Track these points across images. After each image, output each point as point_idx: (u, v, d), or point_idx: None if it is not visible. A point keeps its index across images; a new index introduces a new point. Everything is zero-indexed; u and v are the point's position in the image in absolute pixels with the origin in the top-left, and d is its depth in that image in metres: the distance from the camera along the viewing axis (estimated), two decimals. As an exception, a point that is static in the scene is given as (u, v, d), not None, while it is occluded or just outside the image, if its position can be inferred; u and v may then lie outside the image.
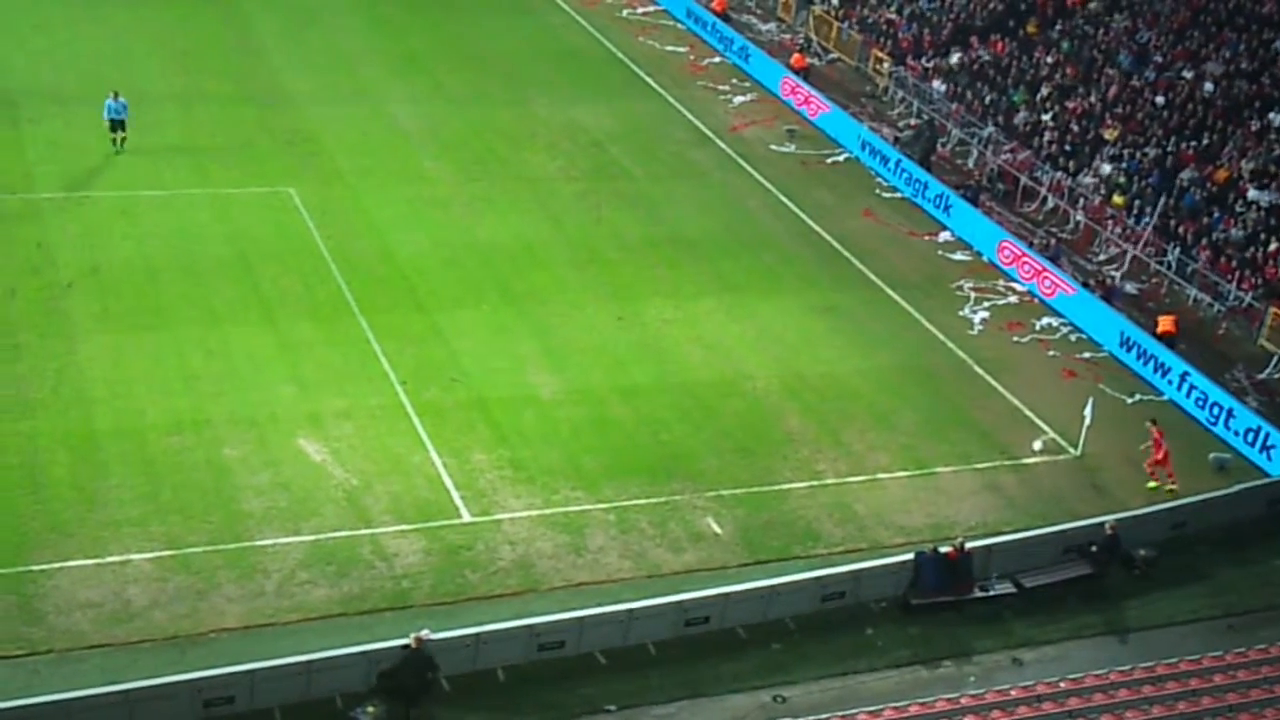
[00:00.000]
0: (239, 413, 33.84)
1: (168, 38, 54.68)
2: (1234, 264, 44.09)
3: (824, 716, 26.67)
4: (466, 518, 31.61)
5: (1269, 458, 36.47)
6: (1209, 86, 50.33)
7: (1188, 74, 51.25)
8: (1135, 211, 47.13)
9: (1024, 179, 50.16)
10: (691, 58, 60.17)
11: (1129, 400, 39.06)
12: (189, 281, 38.88)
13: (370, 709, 25.83)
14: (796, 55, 59.46)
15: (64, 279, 38.16)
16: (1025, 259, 44.64)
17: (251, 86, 51.67)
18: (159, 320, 37.04)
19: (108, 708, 25.09)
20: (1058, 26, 56.85)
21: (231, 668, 26.07)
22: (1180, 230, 45.83)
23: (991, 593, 30.96)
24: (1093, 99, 52.13)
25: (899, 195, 49.83)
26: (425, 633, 26.70)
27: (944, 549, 30.80)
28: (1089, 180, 49.12)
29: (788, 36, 63.01)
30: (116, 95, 44.86)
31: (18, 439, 31.98)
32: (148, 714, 25.39)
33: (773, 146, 52.67)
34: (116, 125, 44.90)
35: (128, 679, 25.72)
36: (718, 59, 60.30)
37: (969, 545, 31.05)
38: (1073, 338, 42.11)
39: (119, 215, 41.76)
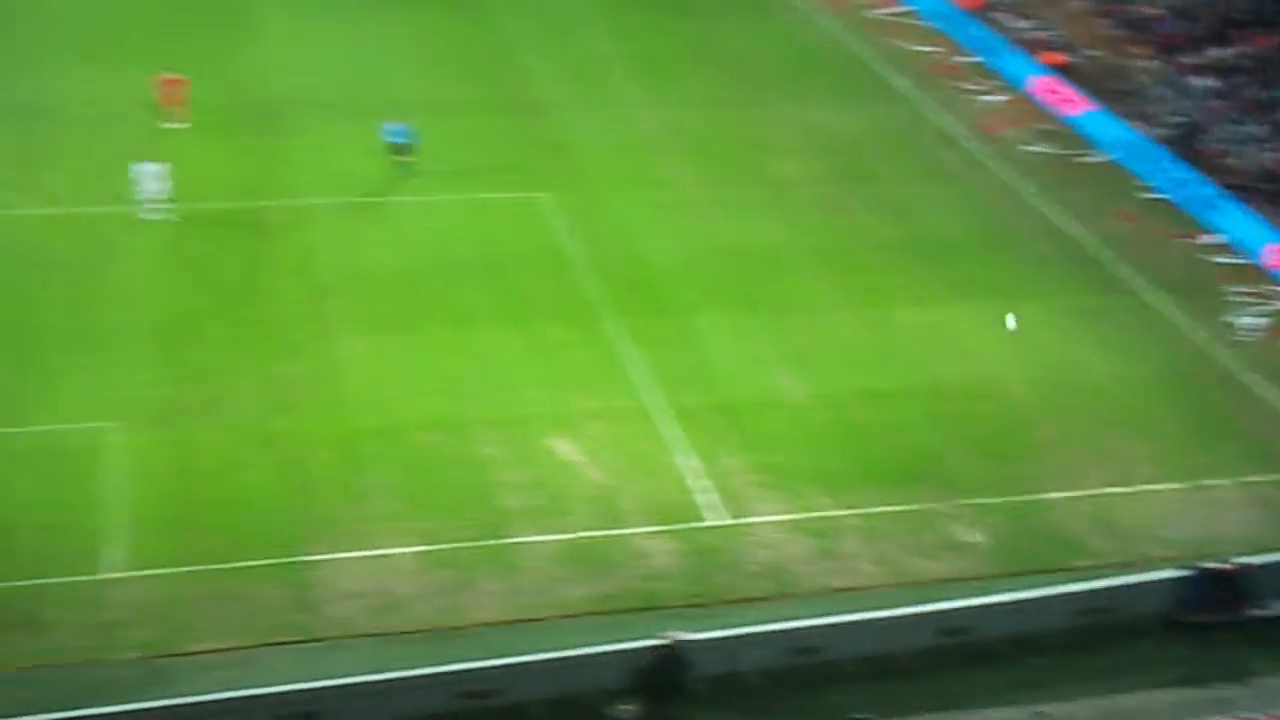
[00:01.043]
0: (493, 413, 34.57)
1: (422, 46, 56.19)
2: None
3: (1087, 734, 26.03)
4: (717, 520, 31.69)
5: None
6: None
7: None
8: None
9: (1293, 178, 48.06)
10: (940, 57, 59.23)
11: None
12: (444, 285, 39.88)
13: (625, 707, 26.09)
14: (1051, 52, 57.98)
15: (327, 282, 39.53)
16: (1295, 262, 42.82)
17: (503, 93, 52.73)
18: (416, 323, 38.08)
19: (371, 695, 25.93)
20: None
21: (491, 661, 26.68)
22: None
23: (1271, 612, 29.63)
24: (1367, 94, 49.72)
25: (1158, 196, 48.21)
26: (678, 633, 26.87)
27: (1219, 565, 29.62)
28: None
29: (1042, 33, 61.46)
30: (398, 120, 45.53)
31: (289, 436, 33.26)
32: (406, 703, 26.13)
33: (1025, 147, 51.52)
34: (399, 149, 45.31)
35: (393, 668, 26.54)
36: (968, 58, 59.23)
37: (1242, 562, 29.82)
38: (1347, 345, 40.22)
39: (378, 221, 43.10)
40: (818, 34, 61.18)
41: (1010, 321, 34.99)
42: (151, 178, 41.19)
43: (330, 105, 50.02)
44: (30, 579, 28.54)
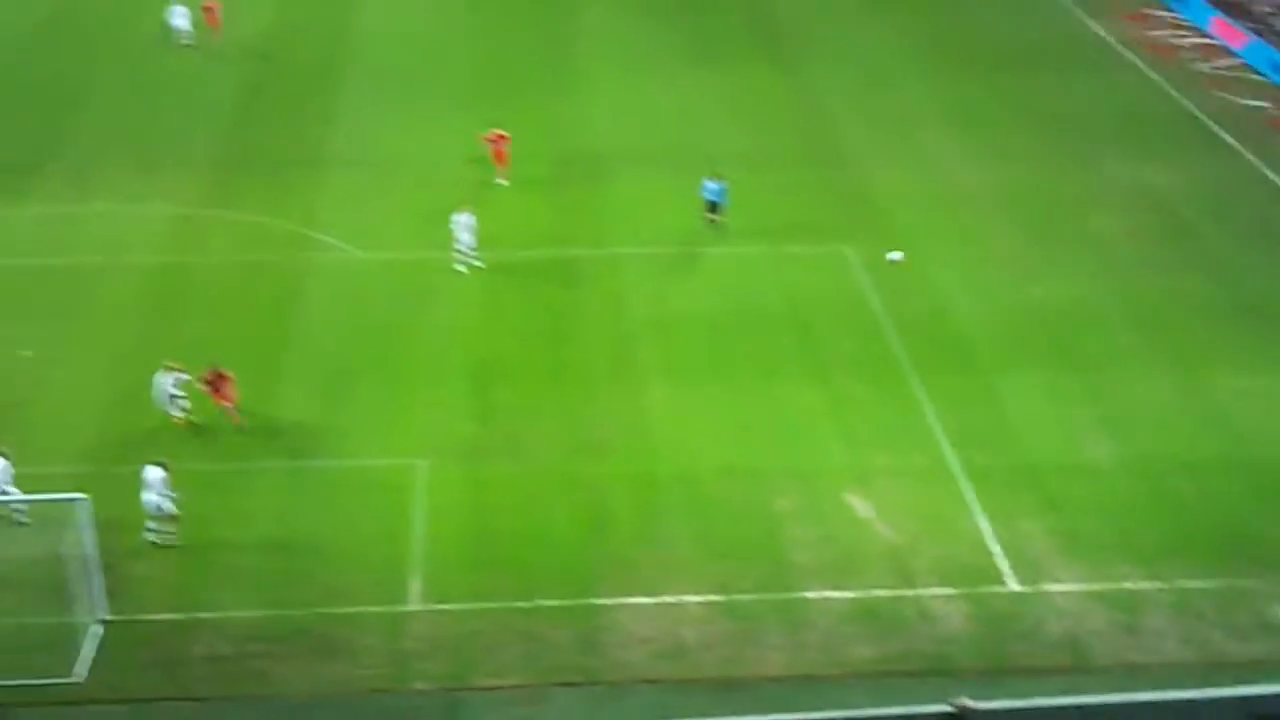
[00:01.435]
0: (790, 465, 34.52)
1: (737, 101, 56.87)
2: None
3: None
4: (1013, 586, 30.80)
5: None
6: None
7: None
8: None
9: None
10: (1275, 112, 56.50)
11: None
12: (748, 336, 40.11)
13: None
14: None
15: (636, 330, 40.28)
16: None
17: (815, 147, 52.88)
18: (719, 372, 38.39)
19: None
20: None
21: (774, 716, 26.48)
22: None
23: None
24: None
25: None
26: (966, 700, 26.12)
27: None
28: None
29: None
30: (717, 176, 45.72)
31: (588, 478, 33.96)
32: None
33: (1366, 208, 48.61)
34: (713, 206, 45.58)
35: (676, 715, 26.71)
36: (1305, 113, 56.43)
37: None
38: None
39: (686, 270, 43.74)
40: (1144, 89, 59.22)
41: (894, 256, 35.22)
42: (463, 228, 42.85)
43: (647, 158, 51.12)
44: (341, 607, 29.89)
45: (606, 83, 58.43)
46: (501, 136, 48.41)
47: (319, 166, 50.13)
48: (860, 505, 33.16)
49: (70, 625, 28.41)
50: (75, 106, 54.97)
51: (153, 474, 31.00)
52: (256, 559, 31.06)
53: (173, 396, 34.64)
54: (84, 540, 28.56)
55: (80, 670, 27.90)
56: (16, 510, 31.59)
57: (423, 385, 37.42)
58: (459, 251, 42.82)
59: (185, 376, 34.77)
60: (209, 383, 34.92)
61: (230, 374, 34.96)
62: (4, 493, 31.24)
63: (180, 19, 60.98)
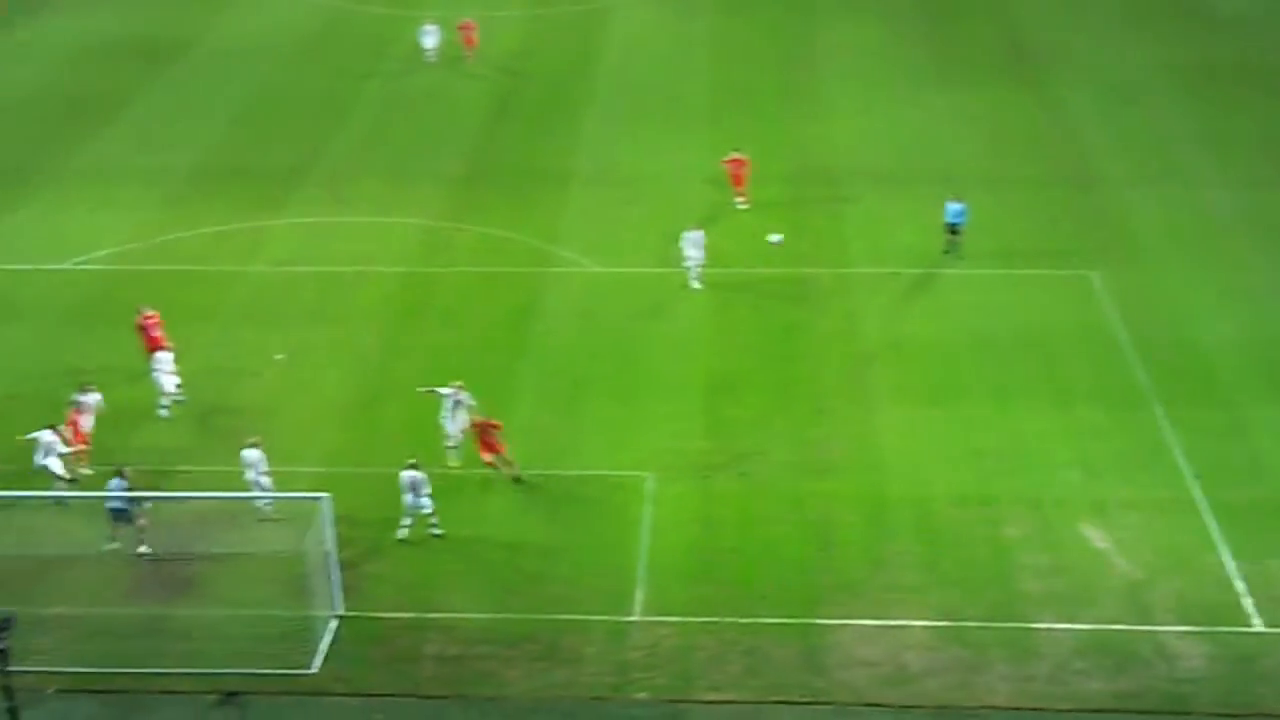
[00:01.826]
0: (1023, 492, 33.74)
1: (981, 121, 55.98)
2: None
3: None
4: (1259, 626, 29.49)
5: None
6: None
7: None
8: None
9: None
10: None
11: None
12: (983, 360, 39.39)
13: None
14: None
15: (868, 350, 39.92)
16: None
17: (1060, 168, 51.68)
18: (952, 395, 37.79)
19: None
20: None
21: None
22: None
23: None
24: None
25: None
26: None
27: None
28: None
29: None
30: (958, 198, 45.00)
31: (816, 498, 33.78)
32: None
33: None
34: (953, 228, 44.78)
35: (896, 742, 26.45)
36: None
37: None
38: None
39: (922, 292, 43.16)
40: None
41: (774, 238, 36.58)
42: (692, 244, 43.15)
43: (887, 177, 50.81)
44: (567, 613, 30.31)
45: (848, 101, 58.16)
46: (740, 160, 48.52)
47: (562, 182, 51.08)
48: (1096, 536, 32.21)
49: (308, 619, 29.46)
50: (334, 121, 57.16)
51: (411, 476, 32.11)
52: (487, 563, 31.73)
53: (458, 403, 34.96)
54: (325, 537, 29.61)
55: (316, 663, 28.89)
56: (265, 505, 32.98)
57: (654, 399, 37.76)
58: (688, 268, 43.12)
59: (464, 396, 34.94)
60: (477, 429, 34.27)
61: (498, 424, 34.35)
62: (258, 484, 32.64)
63: (430, 38, 62.96)
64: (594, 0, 71.14)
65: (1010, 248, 45.60)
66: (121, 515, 31.96)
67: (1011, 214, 47.94)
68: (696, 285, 43.07)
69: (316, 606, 29.51)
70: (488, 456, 34.11)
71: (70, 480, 33.77)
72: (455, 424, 34.75)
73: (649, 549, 32.06)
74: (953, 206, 44.92)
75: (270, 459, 33.12)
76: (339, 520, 30.49)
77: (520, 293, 43.53)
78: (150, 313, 39.00)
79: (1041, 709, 27.65)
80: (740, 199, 48.23)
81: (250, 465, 32.76)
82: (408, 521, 32.37)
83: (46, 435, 33.66)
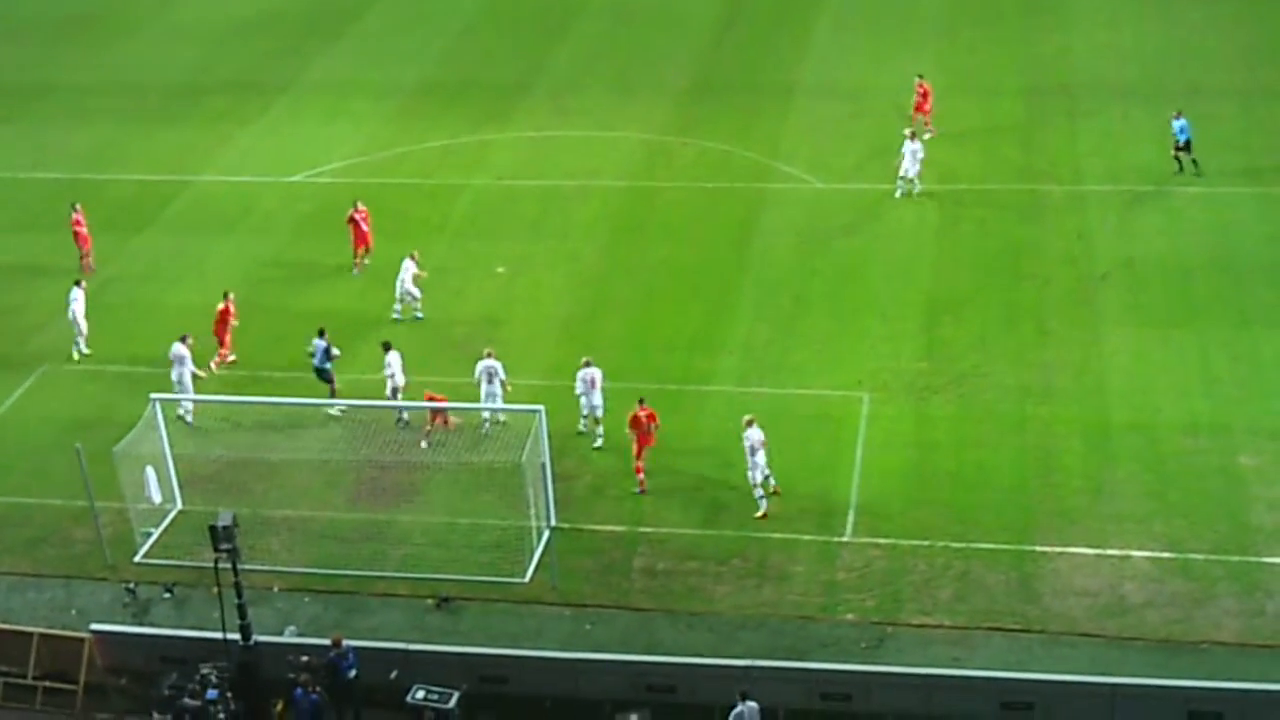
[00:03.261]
0: (1259, 421, 32.25)
1: (1236, 32, 53.04)
2: None
3: None
4: None
5: None
6: None
7: None
8: None
9: None
10: None
11: None
12: (1223, 281, 37.68)
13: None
14: None
15: (1099, 270, 38.49)
16: None
17: (1323, 80, 48.82)
18: (1186, 318, 36.28)
19: (1093, 698, 25.29)
20: None
21: (1222, 683, 25.03)
22: None
23: None
24: None
25: None
26: None
27: None
28: None
29: None
30: (1179, 115, 42.80)
31: (1037, 422, 32.86)
32: (1132, 712, 25.21)
33: None
34: (1183, 146, 42.59)
35: (1114, 674, 25.67)
36: None
37: None
38: None
39: (1159, 210, 41.38)
40: None
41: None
42: (910, 156, 42.18)
43: (1129, 91, 48.59)
44: (778, 532, 30.18)
45: (1093, 12, 55.61)
46: (924, 89, 46.66)
47: (788, 95, 50.33)
48: (1336, 469, 30.65)
49: (523, 529, 29.95)
50: (558, 33, 57.27)
51: (590, 373, 32.74)
52: (699, 479, 31.73)
53: None
54: (541, 449, 29.97)
55: (528, 573, 29.39)
56: (486, 421, 33.55)
57: (873, 318, 37.13)
58: (902, 179, 42.16)
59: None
60: (632, 421, 31.63)
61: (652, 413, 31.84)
62: (493, 396, 33.09)
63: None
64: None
65: (1257, 164, 43.34)
66: (323, 375, 34.20)
67: (1261, 130, 45.47)
68: (904, 194, 42.34)
69: (531, 517, 29.96)
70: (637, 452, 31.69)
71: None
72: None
73: (862, 470, 31.67)
74: (1178, 123, 42.71)
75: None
76: (555, 434, 30.87)
77: (741, 208, 43.18)
78: (363, 208, 40.32)
79: (1270, 646, 26.56)
80: (927, 129, 46.13)
81: (487, 376, 33.26)
82: (585, 423, 32.99)
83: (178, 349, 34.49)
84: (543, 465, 29.90)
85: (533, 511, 29.96)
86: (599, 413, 32.87)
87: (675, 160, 46.47)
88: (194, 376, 34.56)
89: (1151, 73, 50.04)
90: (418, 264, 38.14)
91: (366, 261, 40.54)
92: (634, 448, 31.59)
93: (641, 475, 31.47)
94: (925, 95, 46.41)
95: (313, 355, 34.38)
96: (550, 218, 43.34)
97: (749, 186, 44.37)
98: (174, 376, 34.43)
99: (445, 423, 33.45)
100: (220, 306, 36.44)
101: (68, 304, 37.33)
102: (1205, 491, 30.42)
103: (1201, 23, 53.97)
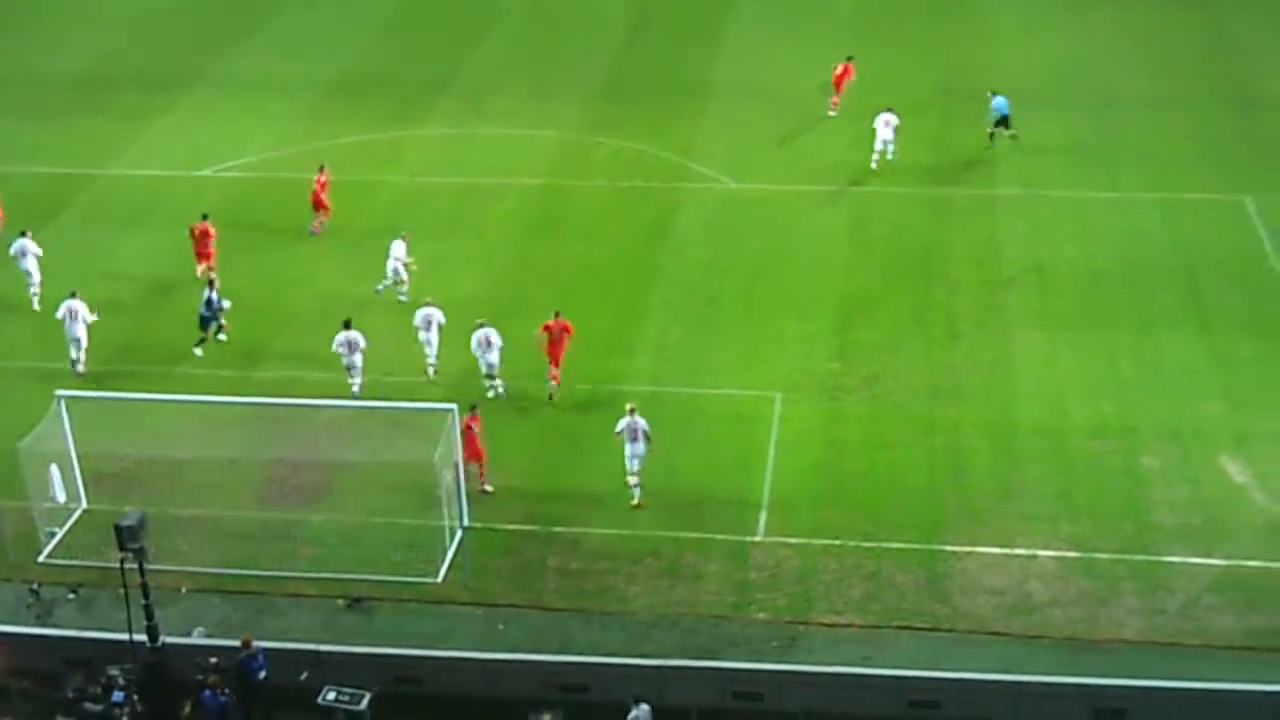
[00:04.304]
0: (1163, 423, 32.86)
1: (1148, 40, 53.90)
2: None
3: None
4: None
5: None
6: None
7: None
8: None
9: None
10: None
11: None
12: (1129, 285, 38.32)
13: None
14: None
15: (1007, 273, 39.00)
16: None
17: (1226, 90, 49.64)
18: (1093, 321, 36.85)
19: (1001, 695, 25.58)
20: None
21: (1124, 680, 25.47)
22: None
23: None
24: None
25: None
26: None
27: None
28: None
29: None
30: (995, 93, 45.48)
31: (946, 422, 33.25)
32: (1035, 712, 25.59)
33: None
34: (1004, 120, 45.23)
35: (1021, 671, 26.00)
36: None
37: None
38: None
39: (1069, 215, 41.98)
40: None
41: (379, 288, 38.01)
42: (883, 125, 44.49)
43: (1043, 98, 49.01)
44: (690, 531, 30.29)
45: (1006, 19, 56.29)
46: (845, 69, 48.16)
47: (702, 96, 50.51)
48: (1236, 470, 31.27)
49: (435, 529, 29.80)
50: (475, 33, 57.01)
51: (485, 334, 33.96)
52: (613, 478, 31.71)
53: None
54: (454, 448, 29.80)
55: (441, 572, 29.26)
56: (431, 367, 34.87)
57: (786, 318, 37.36)
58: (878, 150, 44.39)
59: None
60: (543, 328, 34.22)
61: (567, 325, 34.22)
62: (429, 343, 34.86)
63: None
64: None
65: (1166, 170, 44.15)
66: (206, 323, 36.31)
67: (1170, 136, 46.31)
68: (874, 166, 44.25)
69: (443, 517, 29.82)
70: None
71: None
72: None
73: (775, 469, 31.86)
74: (997, 100, 45.32)
75: (400, 370, 33.51)
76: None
77: (656, 208, 43.29)
78: (324, 176, 42.18)
79: (1172, 644, 27.05)
80: (833, 109, 47.45)
81: (425, 323, 35.04)
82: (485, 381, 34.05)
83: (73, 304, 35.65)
84: (455, 464, 29.77)
85: (445, 511, 29.84)
86: (495, 370, 34.03)
87: (590, 159, 46.49)
88: (87, 326, 35.61)
89: (1062, 80, 50.76)
90: (408, 247, 38.79)
91: (325, 222, 41.85)
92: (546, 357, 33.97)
93: (555, 382, 34.06)
94: (845, 72, 48.09)
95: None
96: (465, 215, 43.19)
97: (663, 186, 44.50)
98: (72, 334, 35.56)
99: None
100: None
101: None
102: (1110, 492, 30.94)
103: (1112, 32, 54.83)
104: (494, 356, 34.16)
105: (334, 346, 34.27)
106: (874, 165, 44.25)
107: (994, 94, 45.46)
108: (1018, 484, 31.24)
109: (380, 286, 38.40)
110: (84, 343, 35.61)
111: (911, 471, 31.69)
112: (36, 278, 38.52)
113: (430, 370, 35.04)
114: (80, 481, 31.01)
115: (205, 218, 39.65)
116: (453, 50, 55.32)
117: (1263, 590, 28.05)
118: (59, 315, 35.65)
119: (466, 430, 30.78)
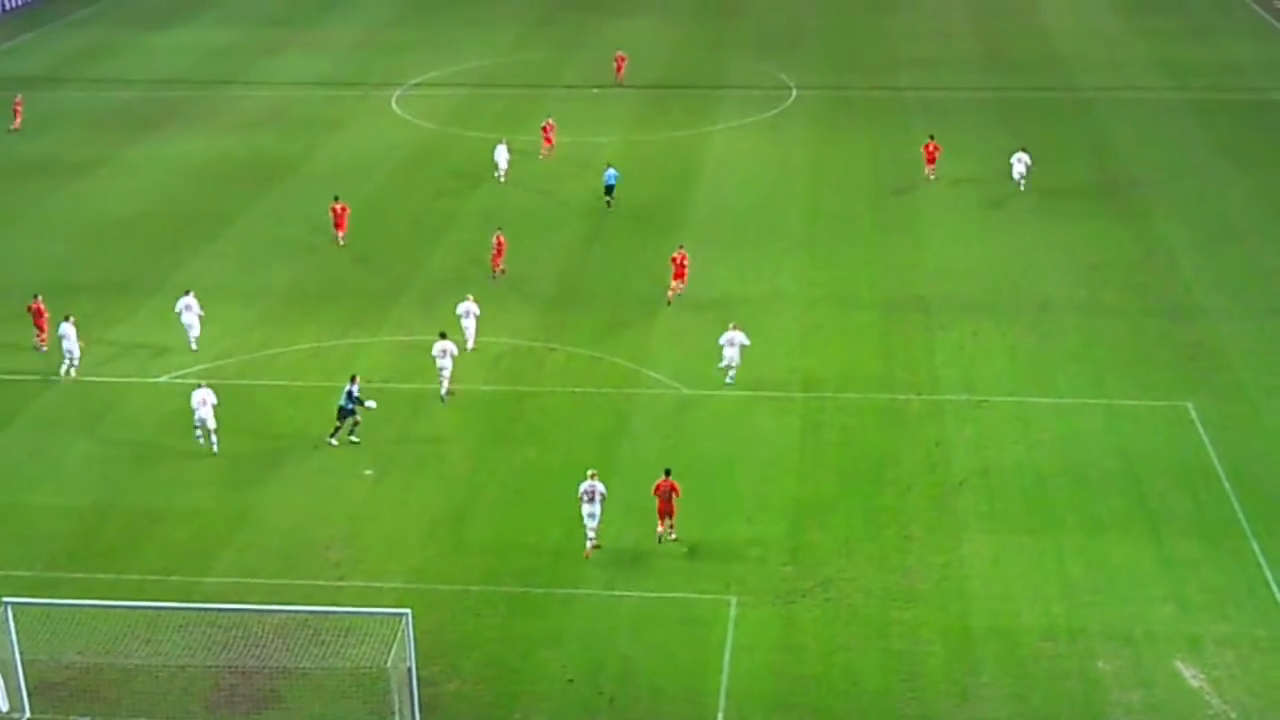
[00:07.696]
0: (1114, 626, 33.07)
1: (1077, 251, 55.57)
2: None
3: None
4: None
5: None
6: None
7: None
8: None
9: None
10: None
11: None
12: (1075, 489, 38.87)
13: None
14: None
15: (957, 478, 39.50)
16: None
17: (1156, 300, 51.09)
18: (1042, 525, 37.27)
19: None
20: None
21: None
22: None
23: None
24: None
25: None
26: None
27: None
28: None
29: None
30: (609, 166, 58.12)
31: (901, 626, 33.32)
32: None
33: None
34: (609, 189, 57.68)
35: None
36: None
37: None
38: None
39: (1013, 420, 42.72)
40: None
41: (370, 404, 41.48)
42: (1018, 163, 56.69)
43: (980, 306, 50.44)
44: (649, 734, 30.05)
45: (946, 229, 57.99)
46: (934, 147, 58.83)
47: (653, 304, 51.33)
48: (1190, 674, 31.39)
49: (387, 736, 29.39)
50: (433, 238, 58.03)
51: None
52: (567, 685, 31.48)
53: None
54: (407, 653, 29.56)
55: (392, 780, 28.79)
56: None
57: (739, 522, 37.58)
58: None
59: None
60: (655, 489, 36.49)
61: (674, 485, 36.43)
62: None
63: (500, 156, 64.26)
64: (693, 127, 72.07)
65: (1104, 377, 45.13)
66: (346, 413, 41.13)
67: (1106, 343, 47.46)
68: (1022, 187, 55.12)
69: (396, 723, 29.44)
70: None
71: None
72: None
73: (730, 674, 31.73)
74: (610, 172, 59.49)
75: (354, 575, 33.30)
76: (421, 637, 30.51)
77: (609, 413, 43.70)
78: (341, 204, 53.68)
79: None
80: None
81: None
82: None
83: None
84: (409, 670, 29.46)
85: (397, 717, 29.40)
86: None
87: (543, 365, 47.01)
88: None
89: (1001, 288, 52.12)
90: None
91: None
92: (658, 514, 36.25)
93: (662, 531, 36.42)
94: (935, 150, 62.52)
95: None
96: (419, 421, 43.42)
97: (616, 391, 45.00)
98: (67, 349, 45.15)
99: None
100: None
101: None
102: (1065, 695, 30.99)
103: (1044, 241, 56.50)
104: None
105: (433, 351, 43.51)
106: (1021, 186, 60.20)
107: (608, 166, 59.10)
108: (974, 688, 31.24)
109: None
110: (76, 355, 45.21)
111: (867, 675, 31.63)
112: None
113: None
114: (24, 690, 30.41)
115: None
116: (406, 257, 56.14)
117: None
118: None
119: None
